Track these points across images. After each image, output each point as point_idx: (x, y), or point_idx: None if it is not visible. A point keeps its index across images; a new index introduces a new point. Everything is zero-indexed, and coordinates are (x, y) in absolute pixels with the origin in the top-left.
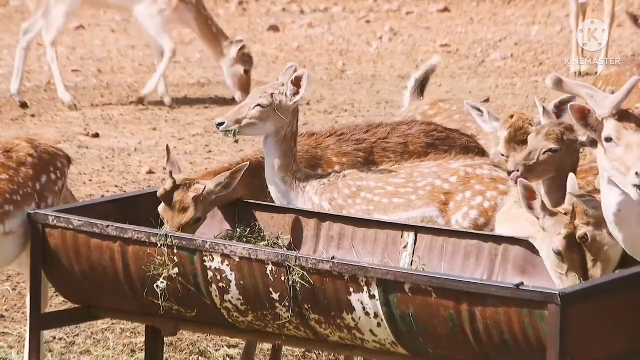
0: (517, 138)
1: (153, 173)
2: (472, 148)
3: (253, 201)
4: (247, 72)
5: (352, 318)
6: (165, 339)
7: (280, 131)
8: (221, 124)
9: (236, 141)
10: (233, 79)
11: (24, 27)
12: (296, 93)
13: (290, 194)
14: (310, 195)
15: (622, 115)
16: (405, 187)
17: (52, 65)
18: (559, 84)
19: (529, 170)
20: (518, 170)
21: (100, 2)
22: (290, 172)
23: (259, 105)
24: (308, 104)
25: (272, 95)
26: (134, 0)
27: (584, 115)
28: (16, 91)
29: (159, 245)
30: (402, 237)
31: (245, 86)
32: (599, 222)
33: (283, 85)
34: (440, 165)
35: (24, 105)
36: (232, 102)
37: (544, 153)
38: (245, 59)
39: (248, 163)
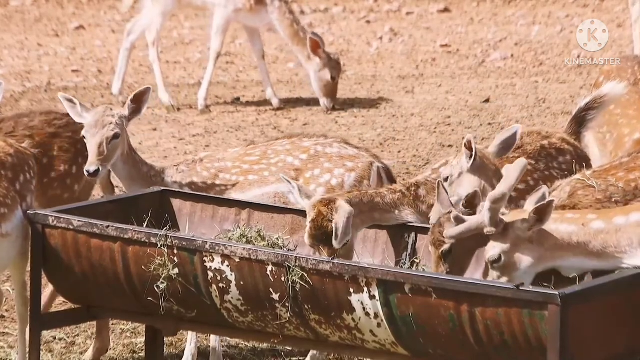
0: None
1: None
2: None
3: (253, 201)
4: (333, 78)
5: (352, 318)
6: (165, 339)
7: (122, 151)
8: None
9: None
10: (319, 84)
11: (128, 28)
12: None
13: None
14: (171, 182)
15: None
16: (259, 164)
17: (154, 66)
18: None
19: None
20: None
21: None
22: (146, 177)
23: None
24: (308, 104)
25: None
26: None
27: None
28: (118, 92)
29: (159, 245)
30: (402, 237)
31: (331, 93)
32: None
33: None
34: (294, 143)
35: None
36: (232, 102)
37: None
38: (333, 64)
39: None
